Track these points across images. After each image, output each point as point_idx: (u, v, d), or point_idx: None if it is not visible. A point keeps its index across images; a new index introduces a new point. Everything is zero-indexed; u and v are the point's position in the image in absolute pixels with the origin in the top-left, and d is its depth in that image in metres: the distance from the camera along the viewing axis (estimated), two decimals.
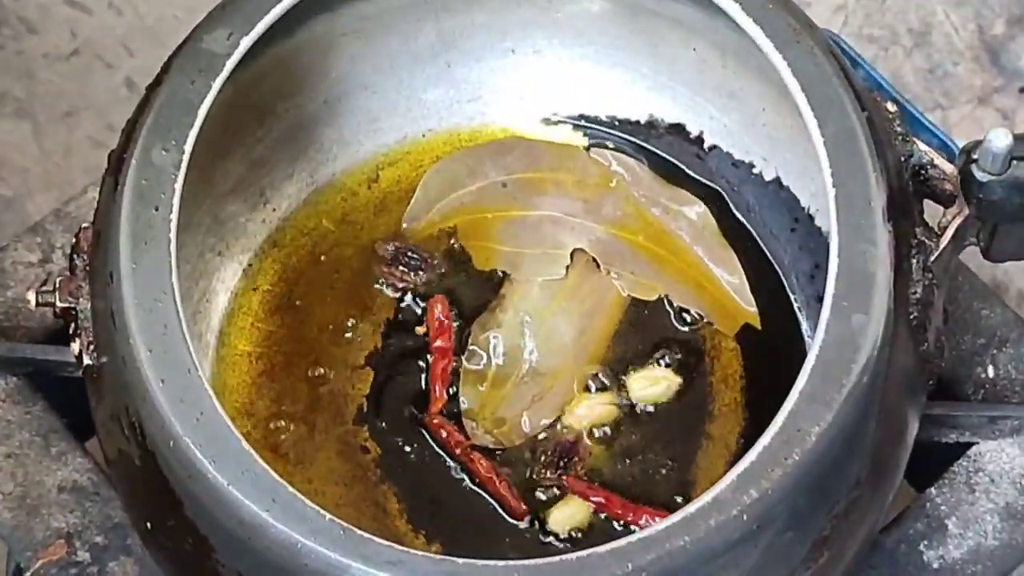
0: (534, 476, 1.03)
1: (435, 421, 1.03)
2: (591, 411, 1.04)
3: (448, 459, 1.03)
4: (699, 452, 1.04)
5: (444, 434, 1.03)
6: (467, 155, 1.13)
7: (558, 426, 1.04)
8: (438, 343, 1.06)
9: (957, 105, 1.54)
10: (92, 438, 1.06)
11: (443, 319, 1.06)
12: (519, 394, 1.05)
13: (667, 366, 1.06)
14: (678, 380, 1.06)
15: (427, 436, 1.04)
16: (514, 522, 1.01)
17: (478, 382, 1.05)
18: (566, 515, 1.02)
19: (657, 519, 0.99)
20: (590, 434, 1.04)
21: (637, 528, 1.00)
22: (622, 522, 1.01)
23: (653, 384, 1.05)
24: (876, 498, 0.93)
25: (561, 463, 1.03)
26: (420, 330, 1.07)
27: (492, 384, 1.05)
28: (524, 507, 1.02)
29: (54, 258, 1.12)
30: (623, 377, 1.06)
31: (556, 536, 1.01)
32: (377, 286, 1.09)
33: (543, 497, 1.02)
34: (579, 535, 1.01)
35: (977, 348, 1.11)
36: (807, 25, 0.96)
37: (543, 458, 1.03)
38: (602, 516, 1.02)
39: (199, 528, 0.87)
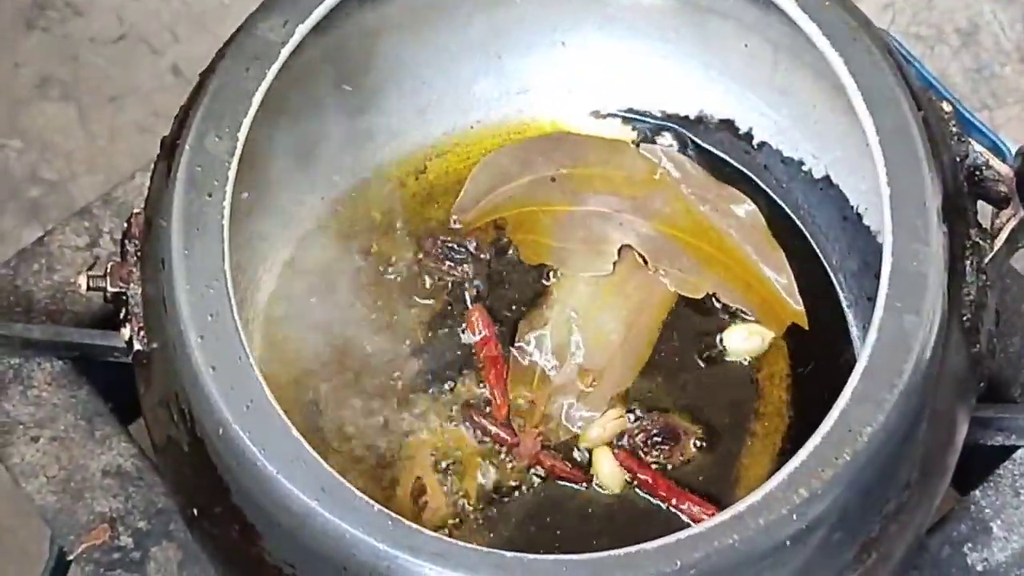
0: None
1: (479, 420, 1.03)
2: (604, 430, 1.04)
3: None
4: (743, 449, 1.04)
5: (491, 430, 1.03)
6: (517, 149, 1.13)
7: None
8: (485, 352, 1.05)
9: (1004, 106, 1.53)
10: (136, 421, 1.06)
11: (485, 330, 1.06)
12: (566, 391, 1.05)
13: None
14: (771, 334, 1.06)
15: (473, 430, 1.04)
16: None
17: (526, 379, 1.05)
18: (604, 470, 1.02)
19: (698, 508, 0.99)
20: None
21: (679, 512, 1.00)
22: (665, 504, 1.01)
23: (750, 336, 1.06)
24: (925, 500, 0.92)
25: (657, 439, 1.02)
26: (466, 327, 1.07)
27: (540, 380, 1.05)
28: (581, 474, 1.02)
29: (101, 243, 1.12)
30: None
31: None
32: (423, 278, 1.08)
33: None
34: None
35: None
36: (864, 23, 0.96)
37: (639, 429, 1.03)
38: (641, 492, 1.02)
39: (246, 516, 0.87)
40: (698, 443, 1.03)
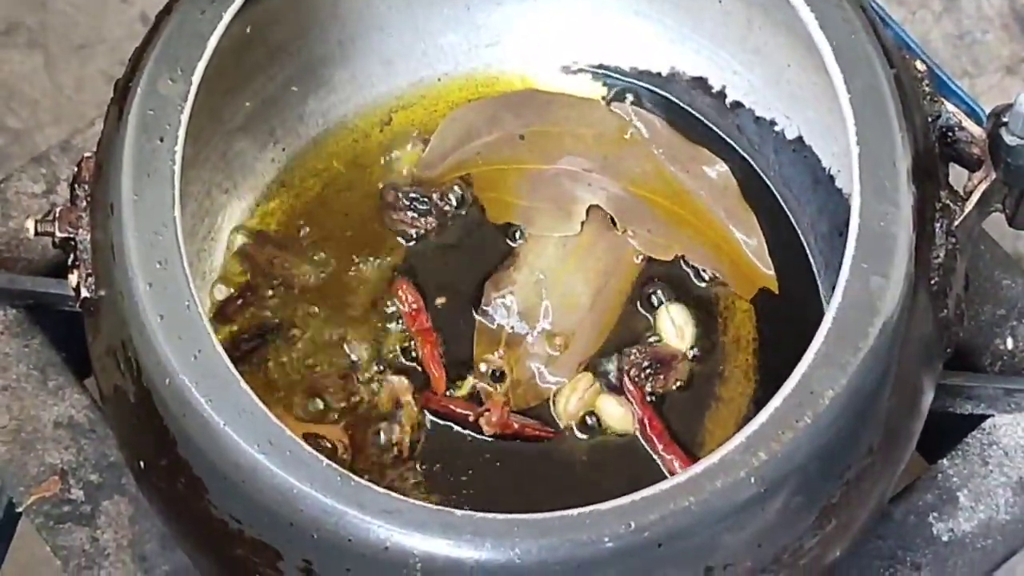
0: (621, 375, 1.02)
1: (441, 402, 1.01)
2: (581, 401, 1.02)
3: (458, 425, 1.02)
4: (708, 414, 1.02)
5: (452, 409, 1.01)
6: (485, 105, 1.11)
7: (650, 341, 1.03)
8: (416, 326, 1.03)
9: (985, 74, 1.52)
10: (91, 376, 1.04)
11: (413, 304, 1.03)
12: (535, 355, 1.03)
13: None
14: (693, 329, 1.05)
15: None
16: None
17: (494, 343, 1.03)
18: (615, 415, 1.01)
19: (680, 465, 0.98)
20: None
21: (659, 459, 0.99)
22: (651, 449, 1.00)
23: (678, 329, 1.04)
24: (888, 467, 0.91)
25: (650, 370, 1.01)
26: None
27: (507, 345, 1.03)
28: (551, 430, 1.01)
29: (59, 190, 1.11)
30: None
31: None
32: (386, 230, 1.06)
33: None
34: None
35: (996, 319, 1.09)
36: None
37: (632, 358, 1.01)
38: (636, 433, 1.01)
39: (193, 469, 0.86)
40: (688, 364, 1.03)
